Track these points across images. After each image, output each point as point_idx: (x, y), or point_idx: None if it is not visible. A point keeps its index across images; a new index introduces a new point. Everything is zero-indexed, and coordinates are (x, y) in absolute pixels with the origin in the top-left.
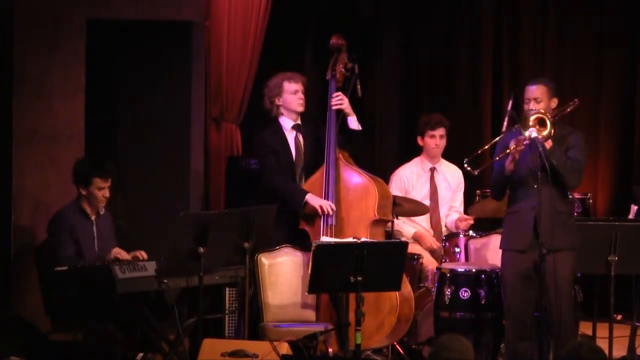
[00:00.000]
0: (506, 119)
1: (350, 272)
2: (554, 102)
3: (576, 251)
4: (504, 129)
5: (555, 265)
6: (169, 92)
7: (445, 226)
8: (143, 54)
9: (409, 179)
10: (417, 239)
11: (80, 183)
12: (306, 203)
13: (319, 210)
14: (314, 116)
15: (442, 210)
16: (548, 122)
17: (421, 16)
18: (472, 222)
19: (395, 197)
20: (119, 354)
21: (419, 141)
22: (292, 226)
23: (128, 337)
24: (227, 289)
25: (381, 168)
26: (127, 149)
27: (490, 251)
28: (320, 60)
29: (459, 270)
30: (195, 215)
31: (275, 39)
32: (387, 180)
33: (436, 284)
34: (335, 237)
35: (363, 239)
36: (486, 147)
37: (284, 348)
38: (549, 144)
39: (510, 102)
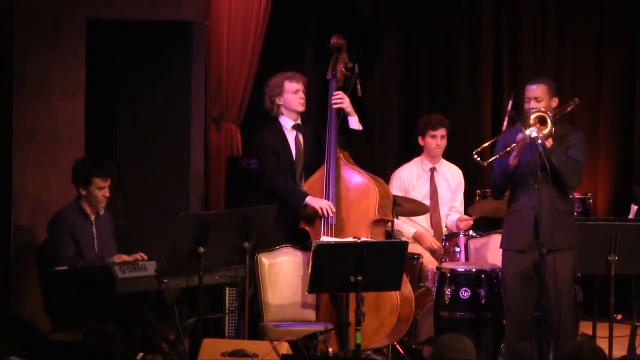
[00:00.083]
0: (506, 118)
1: (350, 272)
2: (555, 102)
3: (576, 251)
4: (504, 129)
5: (556, 265)
6: (169, 92)
7: (446, 226)
8: (143, 54)
9: (409, 178)
10: (417, 238)
11: (80, 183)
12: (306, 205)
13: (320, 211)
14: (314, 116)
15: (442, 210)
16: (549, 121)
17: (421, 16)
18: (472, 222)
19: (395, 197)
20: (119, 354)
21: (420, 141)
22: (292, 226)
23: (128, 337)
24: (227, 289)
25: (381, 168)
26: (127, 149)
27: (490, 251)
28: (320, 60)
29: (459, 270)
30: (195, 215)
31: (275, 39)
32: (387, 180)
33: (436, 284)
34: (336, 237)
35: (363, 239)
36: (488, 143)
37: (284, 348)
38: (549, 143)
39: (510, 102)
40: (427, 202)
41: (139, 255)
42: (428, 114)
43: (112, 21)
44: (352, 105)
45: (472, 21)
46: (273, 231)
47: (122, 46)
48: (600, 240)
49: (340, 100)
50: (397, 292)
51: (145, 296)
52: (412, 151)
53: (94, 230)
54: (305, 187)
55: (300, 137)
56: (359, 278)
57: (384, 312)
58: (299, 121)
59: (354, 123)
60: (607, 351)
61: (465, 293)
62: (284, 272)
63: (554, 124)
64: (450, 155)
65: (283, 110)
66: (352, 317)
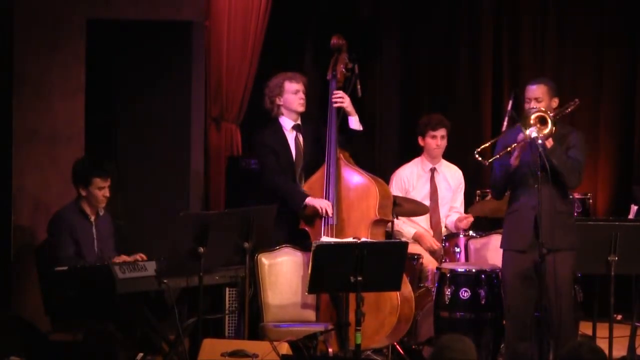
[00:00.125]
0: (506, 118)
1: (350, 272)
2: (555, 102)
3: (576, 251)
4: (504, 128)
5: (555, 265)
6: (169, 92)
7: (445, 226)
8: (143, 54)
9: (409, 179)
10: (417, 239)
11: (79, 183)
12: (306, 205)
13: (320, 211)
14: (314, 116)
15: (442, 211)
16: (549, 121)
17: (421, 16)
18: (472, 219)
19: (395, 197)
20: (119, 354)
21: (420, 141)
22: (292, 226)
23: (128, 337)
24: (227, 289)
25: (381, 168)
26: (127, 149)
27: (490, 251)
28: (321, 60)
29: (459, 270)
30: (195, 215)
31: (275, 39)
32: (387, 180)
33: (436, 284)
34: (336, 237)
35: (363, 239)
36: (489, 143)
37: (284, 348)
38: (550, 143)
39: (511, 102)
40: (427, 203)
41: (139, 256)
42: (428, 114)
43: (112, 21)
44: (352, 105)
45: (472, 21)
46: (273, 231)
47: (122, 46)
48: (600, 240)
49: (341, 99)
50: (398, 293)
51: (145, 296)
52: (412, 151)
53: (94, 230)
54: (305, 187)
55: (300, 138)
56: (359, 278)
57: (384, 313)
58: (299, 121)
59: (355, 123)
60: (607, 351)
61: (465, 293)
62: (284, 273)
63: (554, 124)
64: (450, 155)
65: (283, 110)
66: (352, 317)
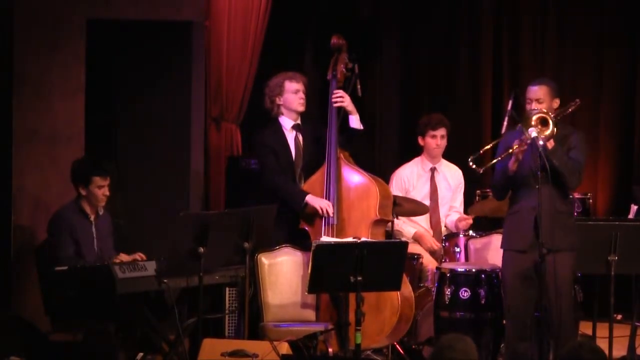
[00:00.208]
0: (506, 118)
1: (350, 272)
2: (556, 103)
3: (576, 251)
4: (504, 129)
5: (556, 265)
6: (169, 92)
7: (445, 226)
8: (143, 54)
9: (409, 178)
10: (417, 239)
11: (79, 183)
12: (306, 204)
13: (320, 211)
14: (314, 116)
15: (442, 211)
16: (550, 122)
17: (421, 16)
18: (471, 221)
19: (395, 197)
20: (119, 354)
21: (420, 141)
22: (292, 226)
23: (128, 337)
24: (227, 289)
25: (381, 168)
26: (127, 149)
27: (491, 251)
28: (320, 60)
29: (459, 270)
30: (195, 215)
31: (275, 39)
32: (387, 180)
33: (436, 284)
34: (337, 236)
35: (363, 239)
36: (490, 145)
37: (284, 348)
38: (551, 144)
39: (511, 102)
40: (427, 202)
41: (138, 256)
42: (428, 114)
43: (112, 21)
44: (352, 104)
45: (472, 21)
46: (273, 231)
47: (122, 46)
48: (600, 240)
49: (341, 98)
50: (398, 293)
51: (145, 296)
52: (412, 151)
53: (94, 230)
54: (305, 187)
55: (300, 137)
56: (359, 278)
57: (384, 313)
58: (298, 121)
59: (355, 122)
60: (607, 351)
61: (465, 293)
62: (284, 272)
63: (555, 125)
64: (450, 155)
65: (283, 110)
66: (352, 317)
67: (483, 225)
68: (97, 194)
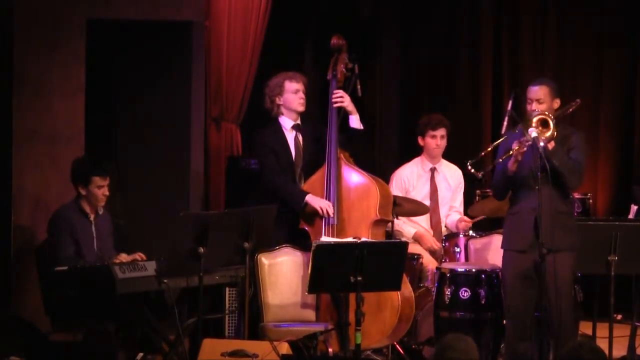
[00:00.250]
0: (506, 119)
1: (350, 272)
2: (557, 103)
3: (576, 251)
4: (504, 129)
5: (556, 265)
6: (169, 92)
7: (445, 226)
8: (143, 54)
9: (409, 179)
10: (417, 239)
11: (79, 182)
12: (306, 204)
13: (320, 211)
14: (314, 116)
15: (442, 211)
16: (551, 123)
17: (421, 16)
18: (470, 224)
19: (395, 197)
20: (119, 354)
21: (420, 141)
22: (292, 226)
23: (128, 337)
24: (227, 289)
25: (381, 168)
26: (127, 149)
27: (491, 251)
28: (321, 60)
29: (459, 270)
30: (195, 215)
31: (275, 39)
32: (387, 180)
33: (436, 284)
34: (337, 236)
35: (363, 239)
36: (489, 149)
37: (284, 348)
38: (551, 145)
39: (510, 102)
40: (427, 202)
41: (138, 255)
42: (428, 114)
43: (112, 21)
44: (352, 104)
45: (472, 21)
46: (273, 231)
47: (122, 46)
48: (600, 240)
49: (341, 99)
50: (398, 293)
51: (145, 296)
52: (412, 151)
53: (94, 229)
54: (305, 187)
55: (300, 137)
56: (359, 278)
57: (384, 313)
58: (298, 121)
59: (355, 122)
60: (607, 351)
61: (465, 293)
62: (284, 272)
63: (556, 126)
64: (450, 155)
65: (283, 110)
66: (352, 317)
67: (483, 225)
68: (97, 193)
